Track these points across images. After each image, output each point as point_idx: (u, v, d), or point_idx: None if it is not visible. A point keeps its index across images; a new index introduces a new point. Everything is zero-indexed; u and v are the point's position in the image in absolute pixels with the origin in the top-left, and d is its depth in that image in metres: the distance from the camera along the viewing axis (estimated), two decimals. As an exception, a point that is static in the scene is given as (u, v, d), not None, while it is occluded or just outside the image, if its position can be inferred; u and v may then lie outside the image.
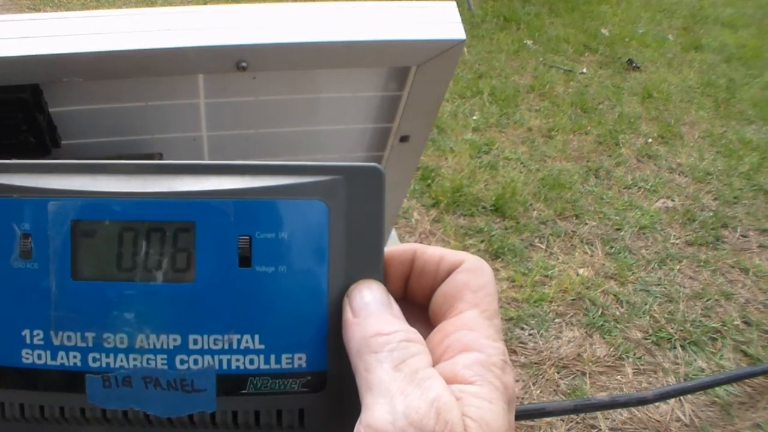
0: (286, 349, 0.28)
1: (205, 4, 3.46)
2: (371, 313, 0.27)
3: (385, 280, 0.29)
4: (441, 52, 0.65)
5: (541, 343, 1.67)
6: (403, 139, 0.80)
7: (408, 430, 0.23)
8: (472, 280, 0.29)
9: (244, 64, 0.62)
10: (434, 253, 0.30)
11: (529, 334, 1.69)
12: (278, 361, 0.28)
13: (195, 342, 0.28)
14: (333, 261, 0.28)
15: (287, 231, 0.28)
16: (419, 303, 0.31)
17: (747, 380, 1.59)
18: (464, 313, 0.28)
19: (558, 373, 1.59)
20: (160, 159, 0.70)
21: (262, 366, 0.28)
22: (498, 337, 0.27)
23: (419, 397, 0.24)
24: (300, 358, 0.28)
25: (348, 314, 0.27)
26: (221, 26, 0.61)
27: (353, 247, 0.29)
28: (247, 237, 0.28)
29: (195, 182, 0.28)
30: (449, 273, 0.29)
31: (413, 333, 0.26)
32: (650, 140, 2.74)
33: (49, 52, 0.56)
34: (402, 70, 0.71)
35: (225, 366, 0.28)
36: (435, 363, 0.26)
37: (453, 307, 0.28)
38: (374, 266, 0.29)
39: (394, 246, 0.31)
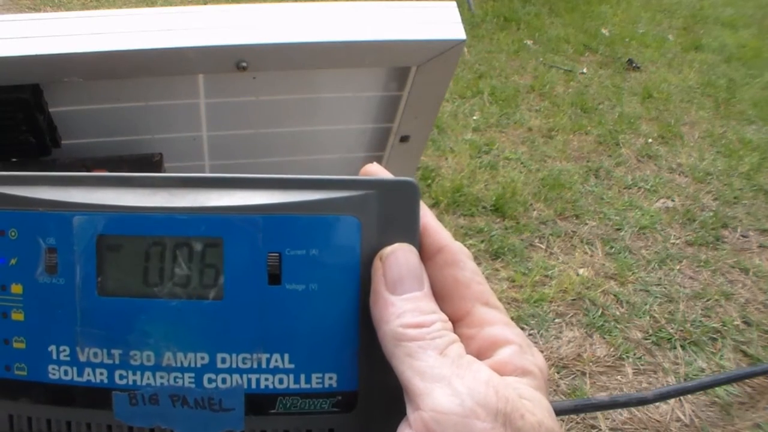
0: (316, 368, 0.28)
1: (205, 4, 3.45)
2: (407, 291, 0.26)
3: None
4: (441, 52, 0.65)
5: (541, 343, 1.67)
6: (403, 139, 0.80)
7: (476, 409, 0.23)
8: (459, 274, 0.28)
9: (244, 64, 0.62)
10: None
11: (529, 334, 1.69)
12: (308, 380, 0.28)
13: (223, 360, 0.27)
14: (365, 278, 0.27)
15: (318, 247, 0.27)
16: None
17: (747, 380, 1.59)
18: (473, 311, 0.28)
19: (558, 373, 1.59)
20: (160, 159, 0.70)
21: (292, 385, 0.28)
22: (509, 320, 0.27)
23: (473, 378, 0.24)
24: (331, 378, 0.28)
25: (380, 284, 0.27)
26: (221, 26, 0.61)
27: None
28: (277, 254, 0.27)
29: (223, 197, 0.27)
30: (429, 258, 0.28)
31: (446, 320, 0.26)
32: (650, 140, 2.74)
33: (49, 52, 0.56)
34: (402, 70, 0.71)
35: (254, 385, 0.27)
36: None
37: (457, 308, 0.28)
38: None
39: None
